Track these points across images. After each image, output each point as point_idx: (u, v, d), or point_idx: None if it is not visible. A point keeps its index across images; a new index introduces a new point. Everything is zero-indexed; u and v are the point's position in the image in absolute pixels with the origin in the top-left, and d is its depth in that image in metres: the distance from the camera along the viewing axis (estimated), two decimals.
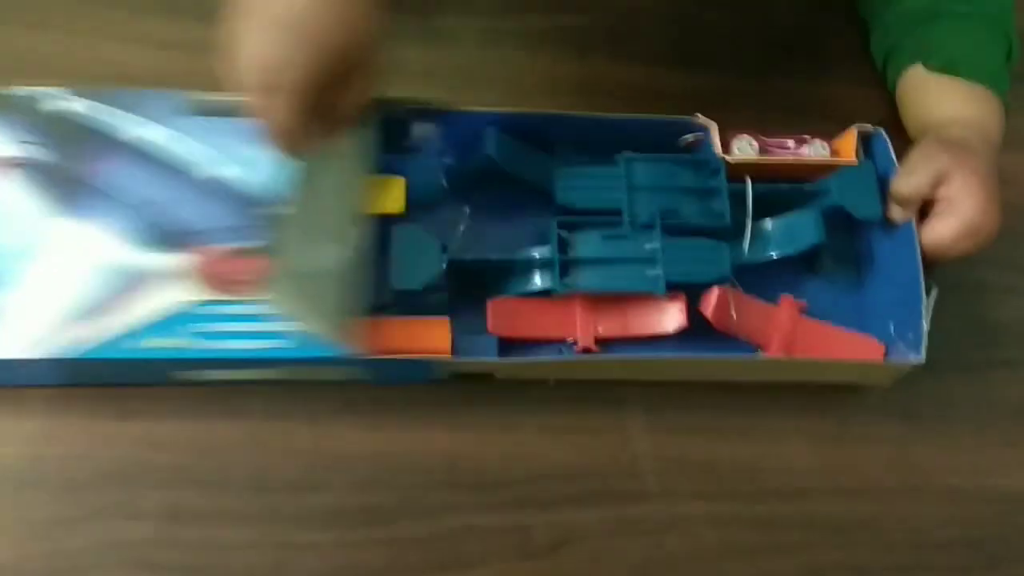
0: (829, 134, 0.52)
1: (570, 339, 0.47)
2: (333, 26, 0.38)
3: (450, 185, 0.50)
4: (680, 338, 0.47)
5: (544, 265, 0.46)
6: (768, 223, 0.49)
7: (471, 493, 0.45)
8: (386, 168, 0.49)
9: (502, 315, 0.46)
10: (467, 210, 0.48)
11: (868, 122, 0.52)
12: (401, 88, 0.47)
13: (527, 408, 0.47)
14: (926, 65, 0.53)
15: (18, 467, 0.43)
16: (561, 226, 0.46)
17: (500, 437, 0.47)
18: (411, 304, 0.46)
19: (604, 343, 0.47)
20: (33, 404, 0.44)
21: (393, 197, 0.49)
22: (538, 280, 0.46)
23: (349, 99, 0.42)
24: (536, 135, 0.49)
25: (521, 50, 0.57)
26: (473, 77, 0.55)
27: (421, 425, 0.46)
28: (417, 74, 0.54)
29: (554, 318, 0.47)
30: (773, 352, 0.47)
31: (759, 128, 0.51)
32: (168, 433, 0.44)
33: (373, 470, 0.45)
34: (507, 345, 0.46)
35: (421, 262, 0.44)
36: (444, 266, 0.44)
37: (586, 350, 0.47)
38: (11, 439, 0.43)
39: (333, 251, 0.44)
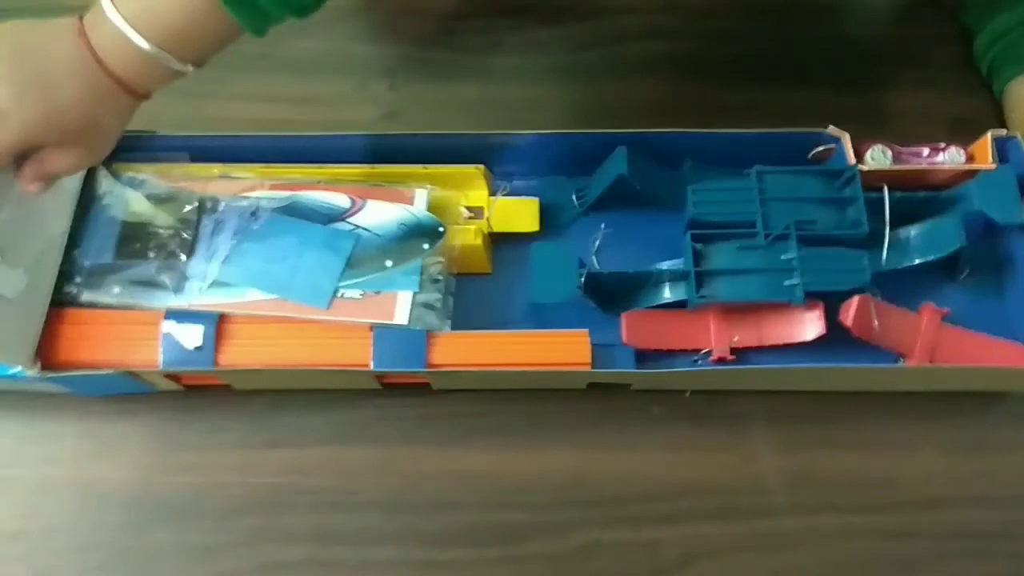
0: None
1: (704, 349, 0.48)
2: (75, 113, 0.39)
3: (582, 203, 0.52)
4: (814, 347, 0.47)
5: (678, 277, 0.47)
6: (909, 230, 0.48)
7: (598, 509, 0.47)
8: (521, 190, 0.53)
9: (637, 327, 0.48)
10: (603, 226, 0.49)
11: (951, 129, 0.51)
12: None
13: (650, 425, 0.48)
14: None
15: (178, 496, 0.47)
16: (695, 239, 0.47)
17: (624, 455, 0.48)
18: (549, 317, 0.49)
19: (738, 352, 0.48)
20: (188, 437, 0.48)
21: (528, 216, 0.52)
22: (672, 292, 0.47)
23: (59, 164, 0.41)
24: (662, 153, 0.51)
25: (616, 77, 0.60)
26: (573, 107, 0.58)
27: (546, 444, 0.48)
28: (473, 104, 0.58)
29: (688, 329, 0.48)
30: (916, 360, 0.46)
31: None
32: (312, 460, 0.48)
33: (501, 489, 0.47)
34: (642, 356, 0.48)
35: (560, 277, 0.47)
36: (583, 280, 0.46)
37: (721, 360, 0.48)
38: (171, 470, 0.47)
39: (21, 278, 0.44)
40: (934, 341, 0.47)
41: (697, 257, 0.46)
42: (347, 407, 0.49)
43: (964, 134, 0.52)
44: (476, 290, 0.50)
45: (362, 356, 0.45)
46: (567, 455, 0.48)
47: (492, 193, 0.52)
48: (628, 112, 0.58)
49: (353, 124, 0.57)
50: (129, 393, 0.48)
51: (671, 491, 0.47)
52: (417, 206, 0.49)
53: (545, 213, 0.52)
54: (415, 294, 0.46)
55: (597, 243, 0.49)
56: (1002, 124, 0.55)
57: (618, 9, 0.63)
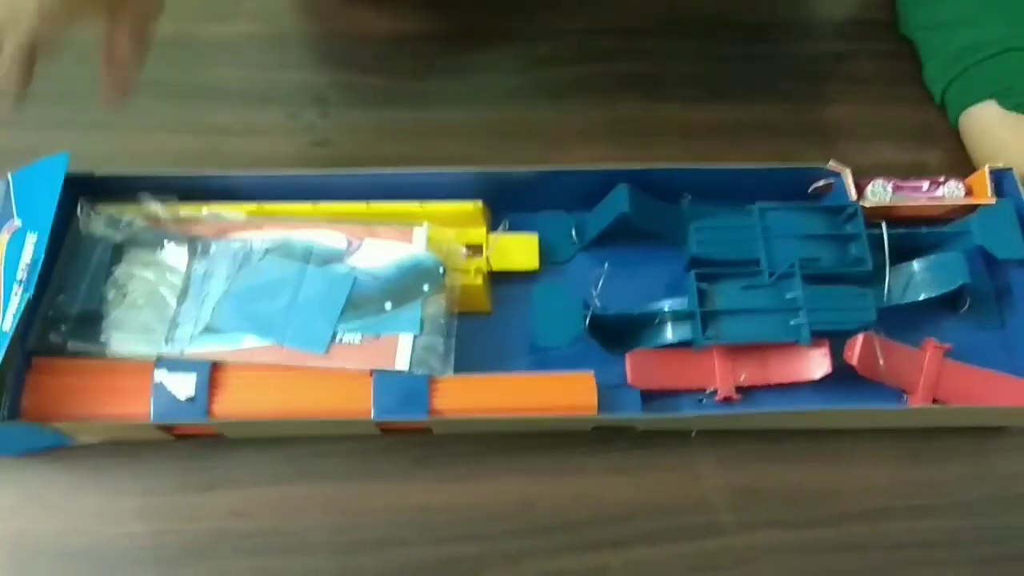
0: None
1: (709, 388, 0.48)
2: None
3: (581, 239, 0.52)
4: (818, 384, 0.47)
5: (683, 317, 0.46)
6: (912, 265, 0.48)
7: (548, 537, 0.45)
8: (516, 225, 0.52)
9: (642, 367, 0.47)
10: (606, 265, 0.49)
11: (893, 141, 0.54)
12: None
13: (594, 449, 0.47)
14: (1002, 104, 0.53)
15: (111, 546, 0.44)
16: (699, 278, 0.46)
17: (572, 480, 0.47)
18: (550, 356, 0.48)
19: (743, 391, 0.47)
20: (122, 482, 0.46)
21: (528, 253, 0.51)
22: (677, 332, 0.46)
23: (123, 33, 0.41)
24: (660, 187, 0.51)
25: (551, 99, 0.59)
26: (509, 130, 0.58)
27: (491, 472, 0.47)
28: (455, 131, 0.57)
29: (692, 368, 0.47)
30: (919, 398, 0.46)
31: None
32: (251, 501, 0.46)
33: (449, 522, 0.46)
34: (645, 396, 0.47)
35: (563, 320, 0.46)
36: (587, 323, 0.45)
37: (727, 399, 0.47)
38: (102, 517, 0.45)
39: None
40: (937, 377, 0.47)
41: (701, 296, 0.46)
42: (287, 445, 0.47)
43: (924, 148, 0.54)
44: (475, 330, 0.49)
45: (362, 403, 0.44)
46: (514, 483, 0.47)
47: (490, 229, 0.51)
48: (564, 135, 0.58)
49: (285, 154, 0.56)
50: (53, 447, 0.46)
51: (619, 514, 0.46)
52: (416, 245, 0.48)
53: (543, 249, 0.51)
54: (415, 337, 0.45)
55: (600, 283, 0.48)
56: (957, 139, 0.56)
57: (550, 33, 0.63)
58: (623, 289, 0.50)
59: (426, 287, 0.46)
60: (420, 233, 0.48)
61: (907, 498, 0.47)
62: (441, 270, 0.47)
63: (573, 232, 0.52)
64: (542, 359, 0.49)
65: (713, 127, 0.58)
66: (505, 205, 0.52)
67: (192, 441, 0.47)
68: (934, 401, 0.46)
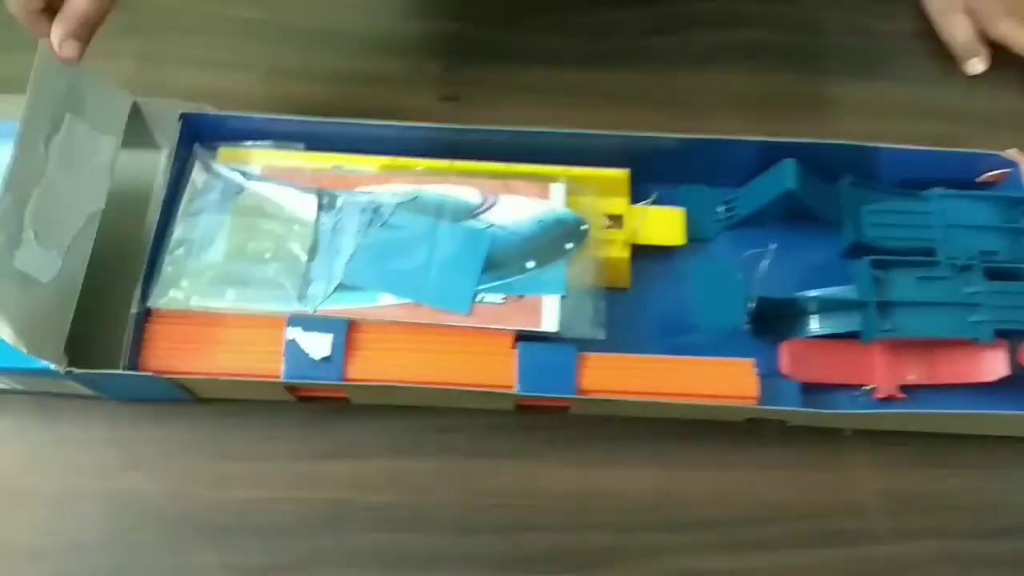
0: None
1: (868, 385, 0.44)
2: None
3: (729, 217, 0.48)
4: (987, 387, 0.43)
5: (850, 307, 0.43)
6: None
7: (688, 533, 0.42)
8: (663, 198, 0.48)
9: (799, 358, 0.44)
10: (773, 246, 0.45)
11: None
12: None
13: (740, 443, 0.44)
14: None
15: (223, 513, 0.42)
16: (875, 265, 0.43)
17: (715, 474, 0.44)
18: (686, 341, 0.45)
19: (906, 390, 0.44)
20: (233, 447, 0.43)
21: (674, 228, 0.47)
22: (841, 322, 0.43)
23: None
24: (818, 165, 0.46)
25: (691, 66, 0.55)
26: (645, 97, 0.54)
27: (628, 460, 0.44)
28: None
29: (853, 362, 0.44)
30: None
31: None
32: (371, 472, 0.43)
33: (581, 509, 0.43)
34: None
35: (725, 301, 0.43)
36: (752, 307, 0.42)
37: (889, 399, 0.44)
38: (214, 481, 0.42)
39: (55, 260, 0.39)
40: None
41: (876, 285, 0.42)
42: (411, 415, 0.44)
43: None
44: (610, 306, 0.45)
45: (503, 375, 0.41)
46: (654, 472, 0.44)
47: (631, 200, 0.48)
48: (705, 105, 0.54)
49: (411, 107, 0.53)
50: (169, 400, 0.43)
51: (767, 514, 0.43)
52: (554, 200, 0.45)
53: (686, 225, 0.47)
54: (562, 298, 0.42)
55: (766, 263, 0.45)
56: None
57: None
58: (785, 274, 0.46)
59: (569, 245, 0.43)
60: (558, 190, 0.45)
61: None
62: (584, 227, 0.44)
63: (721, 208, 0.48)
64: (681, 343, 0.45)
65: (865, 106, 0.54)
66: (644, 175, 0.48)
67: (313, 404, 0.44)
68: None
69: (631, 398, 0.41)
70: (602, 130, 0.46)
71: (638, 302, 0.47)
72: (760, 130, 0.50)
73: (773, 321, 0.44)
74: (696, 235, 0.48)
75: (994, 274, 0.43)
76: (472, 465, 0.44)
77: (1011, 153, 0.46)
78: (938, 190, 0.45)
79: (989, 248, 0.44)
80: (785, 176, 0.45)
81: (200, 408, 0.44)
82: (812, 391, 0.44)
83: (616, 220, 0.47)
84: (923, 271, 0.43)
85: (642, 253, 0.47)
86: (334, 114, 0.49)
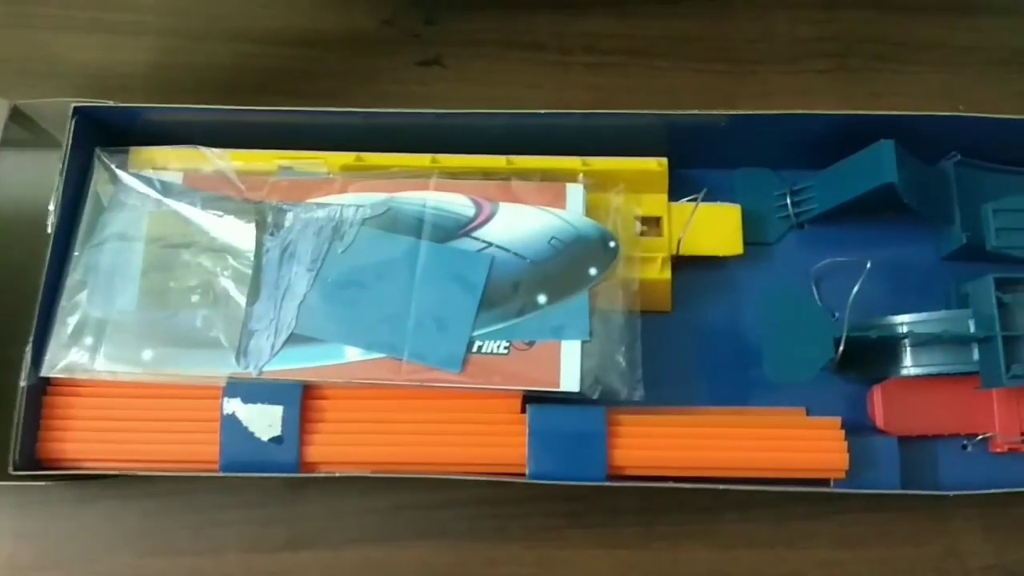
0: None
1: (982, 434, 0.35)
2: None
3: (801, 213, 0.37)
4: None
5: (963, 339, 0.32)
6: None
7: None
8: (712, 186, 0.37)
9: (895, 405, 0.33)
10: (868, 264, 0.35)
11: None
12: None
13: (814, 511, 0.35)
14: None
15: None
16: (1000, 286, 0.32)
17: (783, 552, 0.34)
18: (743, 375, 0.35)
19: None
20: (172, 536, 0.34)
21: (727, 233, 0.36)
22: (953, 360, 0.32)
23: None
24: (917, 143, 0.35)
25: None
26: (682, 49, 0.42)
27: (673, 537, 0.34)
28: None
29: (961, 405, 0.34)
30: None
31: None
32: (344, 566, 0.34)
33: None
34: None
35: (805, 341, 0.32)
36: (842, 348, 0.32)
37: (1012, 450, 0.34)
38: None
39: None
40: None
41: (1002, 313, 0.32)
42: (396, 488, 0.35)
43: None
44: (648, 335, 0.34)
45: (511, 451, 0.31)
46: (704, 552, 0.34)
47: (672, 196, 0.37)
48: (760, 55, 0.41)
49: (378, 77, 0.41)
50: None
51: None
52: (571, 210, 0.34)
53: (747, 228, 0.36)
54: (585, 344, 0.32)
55: (856, 290, 0.34)
56: None
57: None
58: (851, 286, 0.35)
59: (593, 270, 0.33)
60: (575, 192, 0.34)
61: None
62: (613, 244, 0.33)
63: (789, 201, 0.37)
64: (741, 380, 0.35)
65: (963, 55, 0.42)
66: (687, 159, 0.37)
67: (270, 477, 0.35)
68: None
69: (678, 474, 0.31)
70: (628, 109, 0.35)
71: (682, 328, 0.36)
72: (837, 91, 0.40)
73: (861, 358, 0.35)
74: (755, 237, 0.37)
75: None
76: (470, 552, 0.34)
77: None
78: None
79: None
80: (882, 164, 0.33)
81: (129, 486, 0.35)
82: (909, 439, 0.35)
83: (652, 224, 0.37)
84: None
85: (687, 263, 0.37)
86: (276, 90, 0.38)
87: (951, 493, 0.32)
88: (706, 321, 0.36)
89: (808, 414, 0.34)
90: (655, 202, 0.36)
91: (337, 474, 0.31)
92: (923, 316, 0.33)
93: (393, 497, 0.34)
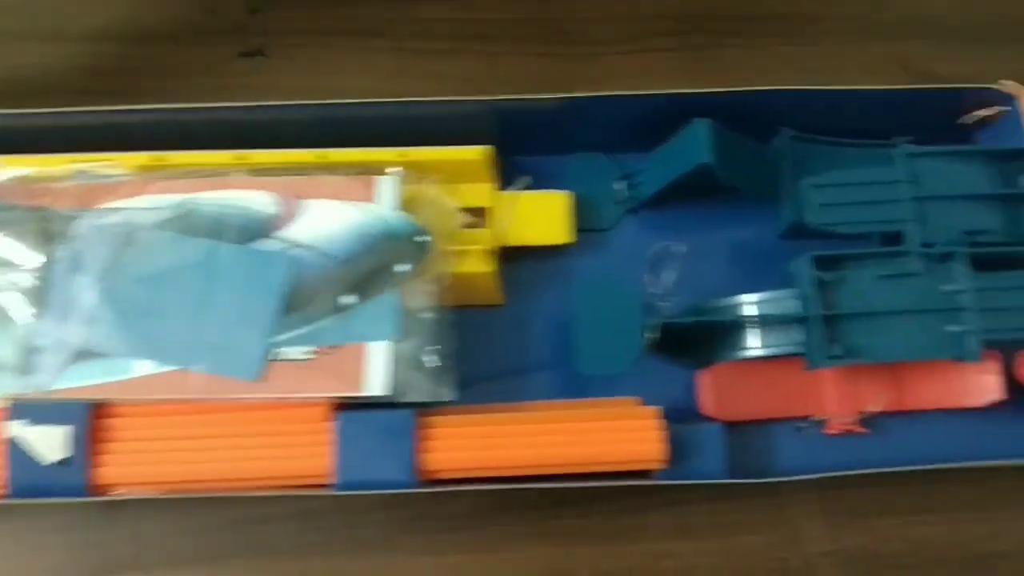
0: None
1: (816, 417, 0.34)
2: None
3: (633, 197, 0.36)
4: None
5: (789, 320, 0.31)
6: None
7: None
8: (539, 175, 0.36)
9: (723, 391, 0.33)
10: (684, 249, 0.34)
11: None
12: None
13: (652, 503, 0.33)
14: None
15: None
16: (819, 264, 0.31)
17: (623, 547, 0.33)
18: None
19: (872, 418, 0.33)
20: None
21: (555, 221, 0.35)
22: (777, 342, 0.31)
23: None
24: (746, 119, 0.34)
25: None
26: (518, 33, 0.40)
27: (508, 539, 0.33)
28: None
29: (792, 387, 0.33)
30: None
31: None
32: None
33: None
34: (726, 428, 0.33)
35: (617, 330, 0.31)
36: (655, 337, 0.31)
37: (845, 432, 0.33)
38: None
39: None
40: None
41: (822, 292, 0.31)
42: (215, 506, 0.32)
43: None
44: (478, 330, 0.34)
45: (319, 461, 0.29)
46: (541, 552, 0.33)
47: (501, 185, 0.36)
48: (601, 36, 0.40)
49: (198, 70, 0.39)
50: None
51: None
52: (382, 203, 0.32)
53: (577, 211, 0.35)
54: (395, 345, 0.30)
55: (674, 276, 0.33)
56: None
57: None
58: (688, 269, 0.35)
59: (403, 267, 0.31)
60: (387, 185, 0.32)
61: None
62: (425, 239, 0.32)
63: (622, 185, 0.36)
64: (567, 369, 0.34)
65: (810, 25, 0.41)
66: (519, 146, 0.36)
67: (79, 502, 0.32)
68: None
69: (497, 474, 0.30)
70: (463, 96, 0.34)
71: (516, 321, 0.35)
72: (681, 69, 0.39)
73: (689, 343, 0.34)
74: (590, 224, 0.36)
75: (984, 262, 0.31)
76: (293, 568, 0.32)
77: (1008, 85, 0.34)
78: (905, 146, 0.33)
79: (977, 226, 0.32)
80: (697, 144, 0.32)
81: None
82: (743, 424, 0.34)
83: (479, 214, 0.36)
84: (886, 266, 0.31)
85: (521, 254, 0.36)
86: (98, 90, 0.36)
87: (776, 480, 0.31)
88: (541, 313, 0.35)
89: (647, 404, 0.34)
90: (480, 192, 0.35)
91: (130, 496, 0.29)
92: (751, 298, 0.32)
93: (209, 515, 0.33)
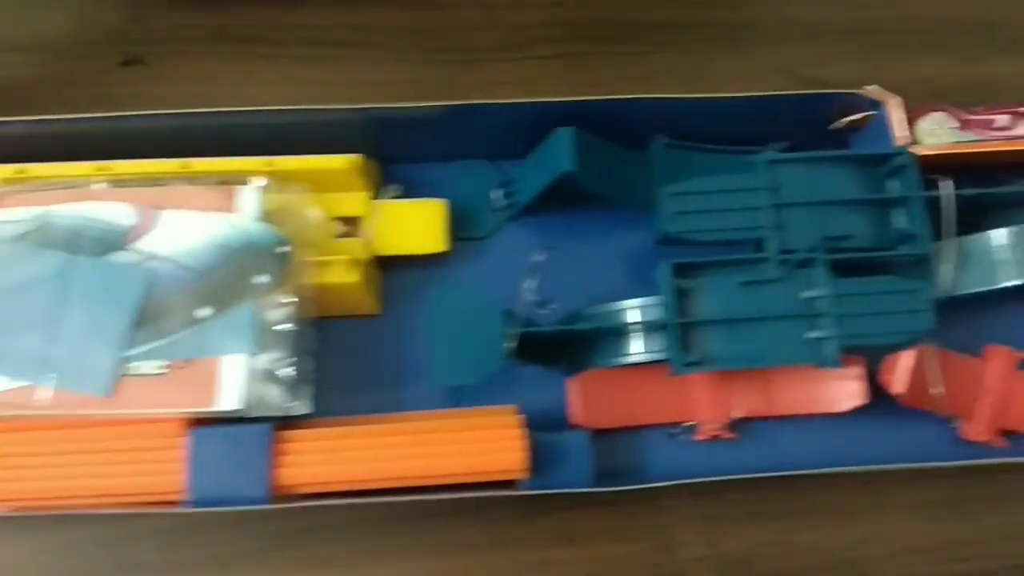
0: None
1: (687, 423, 0.34)
2: None
3: (512, 204, 0.36)
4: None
5: (655, 327, 0.32)
6: (984, 241, 0.33)
7: None
8: (418, 183, 0.36)
9: (592, 398, 0.33)
10: (541, 257, 0.33)
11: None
12: None
13: (525, 513, 0.33)
14: None
15: None
16: (678, 272, 0.31)
17: (495, 558, 0.33)
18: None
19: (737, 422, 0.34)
20: None
21: (430, 229, 0.35)
22: (645, 348, 0.31)
23: None
24: (622, 127, 0.34)
25: None
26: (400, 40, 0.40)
27: (380, 553, 0.32)
28: None
29: (665, 394, 0.33)
30: (979, 428, 0.33)
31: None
32: None
33: None
34: (598, 435, 0.32)
35: (478, 339, 0.31)
36: (513, 346, 0.31)
37: (715, 438, 0.33)
38: None
39: None
40: (1005, 400, 0.33)
41: (680, 300, 0.31)
42: (73, 524, 0.32)
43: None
44: (355, 340, 0.34)
45: (172, 478, 0.29)
46: (412, 567, 0.32)
47: (377, 194, 0.35)
48: (489, 43, 0.39)
49: (75, 80, 0.38)
50: None
51: None
52: (244, 213, 0.32)
53: (456, 220, 0.35)
54: (250, 358, 0.30)
55: (531, 284, 0.33)
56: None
57: None
58: (570, 276, 0.35)
59: (261, 278, 0.31)
60: (250, 194, 0.32)
61: (954, 561, 0.34)
62: (285, 249, 0.31)
63: (501, 193, 0.36)
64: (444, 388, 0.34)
65: (694, 32, 0.41)
66: (400, 154, 0.36)
67: None
68: (1001, 433, 0.34)
69: (352, 487, 0.30)
70: (345, 104, 0.33)
71: (393, 332, 0.35)
72: (564, 77, 0.38)
73: (564, 350, 0.33)
74: (471, 232, 0.36)
75: (850, 268, 0.31)
76: None
77: (873, 90, 0.34)
78: (766, 152, 0.33)
79: (841, 232, 0.32)
80: (560, 152, 0.32)
81: None
82: (620, 434, 0.34)
83: (354, 224, 0.35)
84: (746, 273, 0.31)
85: (400, 263, 0.35)
86: None
87: (639, 487, 0.30)
88: (419, 323, 0.35)
89: (525, 413, 0.33)
90: (353, 201, 0.34)
91: None
92: (621, 305, 0.32)
93: (69, 532, 0.32)
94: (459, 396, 0.34)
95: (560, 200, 0.35)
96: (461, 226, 0.36)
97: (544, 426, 0.32)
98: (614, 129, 0.35)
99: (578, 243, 0.36)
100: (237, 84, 0.38)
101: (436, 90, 0.38)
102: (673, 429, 0.34)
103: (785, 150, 0.36)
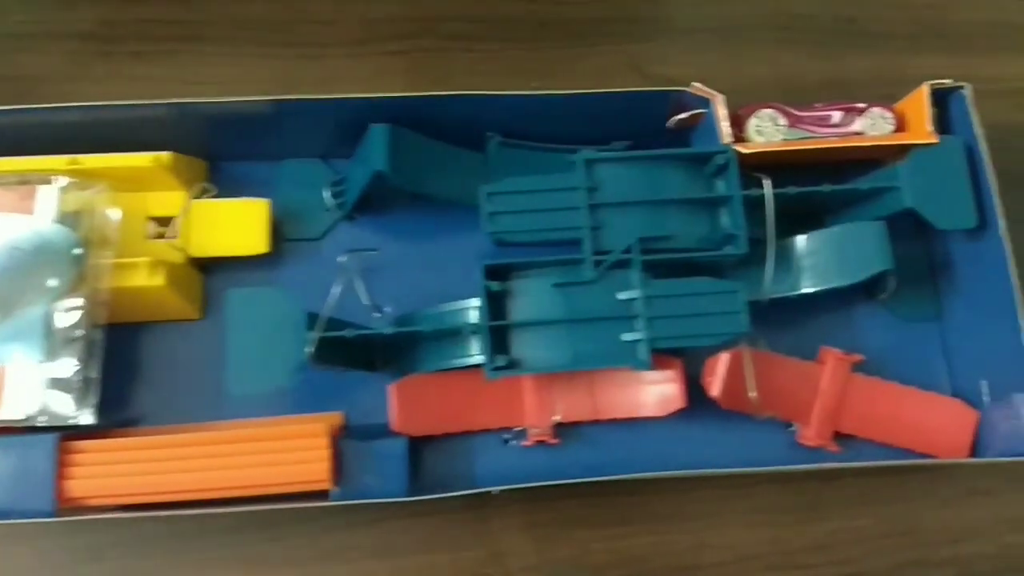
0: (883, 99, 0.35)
1: (516, 428, 0.33)
2: None
3: (341, 203, 0.34)
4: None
5: (472, 331, 0.31)
6: (811, 241, 0.33)
7: None
8: (244, 182, 0.35)
9: (412, 403, 0.31)
10: (345, 258, 0.32)
11: None
12: None
13: (345, 522, 0.32)
14: None
15: None
16: (491, 274, 0.30)
17: (314, 569, 0.32)
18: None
19: (565, 427, 0.32)
20: None
21: (251, 229, 0.33)
22: (462, 352, 0.30)
23: None
24: (451, 124, 0.33)
25: None
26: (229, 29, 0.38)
27: (193, 564, 0.31)
28: None
29: (490, 399, 0.32)
30: (813, 434, 0.32)
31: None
32: None
33: None
34: (421, 442, 0.32)
35: (280, 344, 0.30)
36: (312, 351, 0.29)
37: (541, 441, 0.32)
38: None
39: None
40: (838, 402, 0.32)
41: (495, 302, 0.30)
42: None
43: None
44: (170, 346, 0.33)
45: None
46: (233, 574, 0.31)
47: (195, 195, 0.34)
48: (323, 37, 0.38)
49: None
50: None
51: None
52: (41, 214, 0.30)
53: (285, 221, 0.34)
54: (37, 365, 0.29)
55: (337, 290, 0.31)
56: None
57: None
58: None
59: (54, 282, 0.29)
60: (47, 195, 0.31)
61: (793, 568, 0.33)
62: (78, 252, 0.30)
63: (330, 193, 0.35)
64: (282, 387, 0.32)
65: (536, 25, 0.40)
66: (229, 153, 0.35)
67: None
68: (835, 435, 0.33)
69: (146, 500, 0.29)
70: (178, 99, 0.32)
71: (213, 336, 0.33)
72: (409, 73, 0.37)
73: (383, 354, 0.32)
74: (301, 232, 0.35)
75: (677, 270, 0.31)
76: None
77: (699, 88, 0.33)
78: (586, 152, 0.32)
79: (661, 232, 0.31)
80: (373, 150, 0.31)
81: None
82: (448, 440, 0.33)
83: (169, 224, 0.34)
84: (561, 275, 0.30)
85: (226, 264, 0.34)
86: None
87: (448, 495, 0.29)
88: (239, 321, 0.33)
89: (353, 418, 0.33)
90: (169, 201, 0.33)
91: None
92: (439, 308, 0.31)
93: None
94: (288, 403, 0.33)
95: (402, 198, 0.34)
96: (293, 227, 0.35)
97: (376, 434, 0.31)
98: (450, 127, 0.34)
99: (419, 244, 0.35)
100: (71, 81, 0.37)
101: (275, 86, 0.37)
102: (506, 435, 0.33)
103: (627, 148, 0.35)
